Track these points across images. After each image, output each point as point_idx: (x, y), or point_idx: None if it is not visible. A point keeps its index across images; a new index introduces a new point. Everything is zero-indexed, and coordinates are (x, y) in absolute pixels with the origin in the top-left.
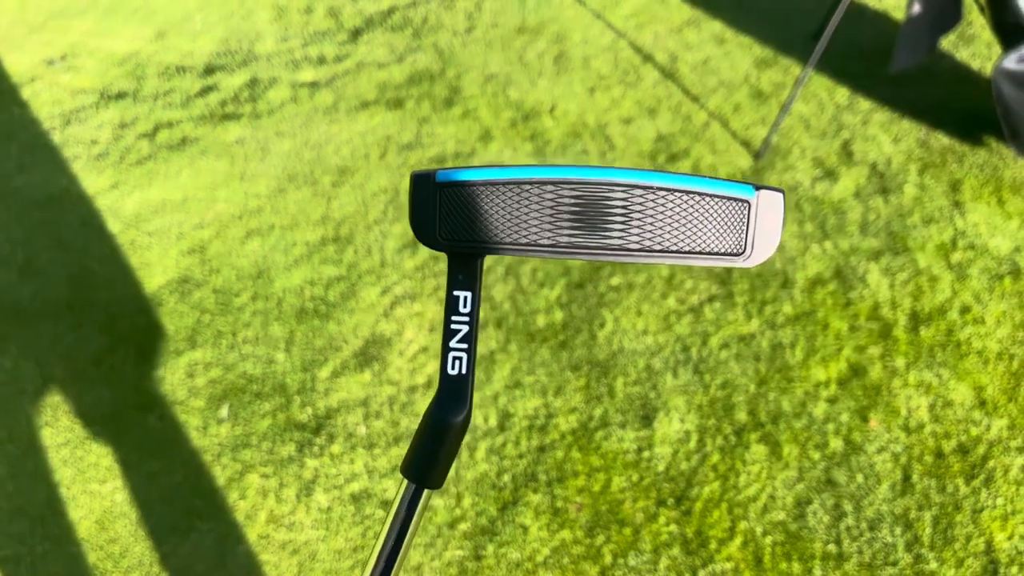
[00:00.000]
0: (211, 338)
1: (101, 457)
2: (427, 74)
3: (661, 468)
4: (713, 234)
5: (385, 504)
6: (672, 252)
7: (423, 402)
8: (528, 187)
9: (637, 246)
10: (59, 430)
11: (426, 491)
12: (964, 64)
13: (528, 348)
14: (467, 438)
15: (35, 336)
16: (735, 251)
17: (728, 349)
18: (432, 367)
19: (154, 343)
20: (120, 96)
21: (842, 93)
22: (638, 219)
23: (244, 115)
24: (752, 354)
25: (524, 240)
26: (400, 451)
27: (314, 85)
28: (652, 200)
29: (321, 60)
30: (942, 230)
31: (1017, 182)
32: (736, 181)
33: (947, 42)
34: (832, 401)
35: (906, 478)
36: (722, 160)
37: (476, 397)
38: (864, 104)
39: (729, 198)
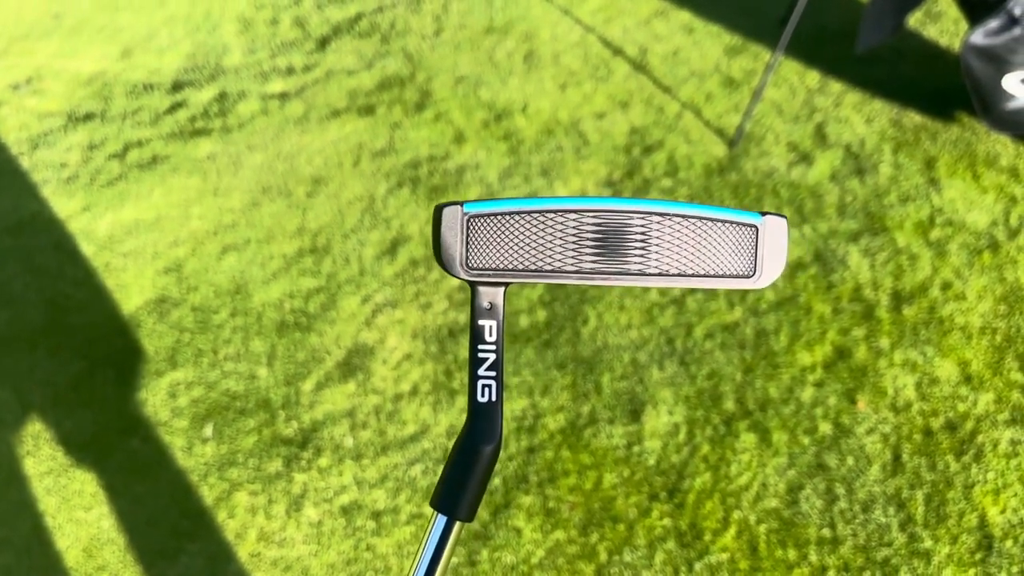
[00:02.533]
0: (192, 357)
1: (85, 484)
2: (397, 79)
3: (652, 462)
4: (726, 257)
5: (376, 515)
6: (688, 275)
7: (409, 410)
8: (552, 216)
9: (656, 270)
10: (41, 458)
11: (458, 524)
12: (932, 41)
13: (512, 349)
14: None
15: (11, 363)
16: (746, 273)
17: (713, 339)
18: (417, 373)
19: (134, 365)
20: (88, 117)
21: (813, 76)
22: (656, 245)
23: (214, 130)
24: (737, 342)
25: (548, 268)
26: (388, 460)
27: (284, 96)
28: (669, 226)
29: (290, 70)
30: (919, 208)
31: (991, 156)
32: (744, 209)
33: (914, 20)
34: (819, 385)
35: (896, 458)
36: (697, 150)
37: (463, 401)
38: (835, 86)
39: (738, 223)
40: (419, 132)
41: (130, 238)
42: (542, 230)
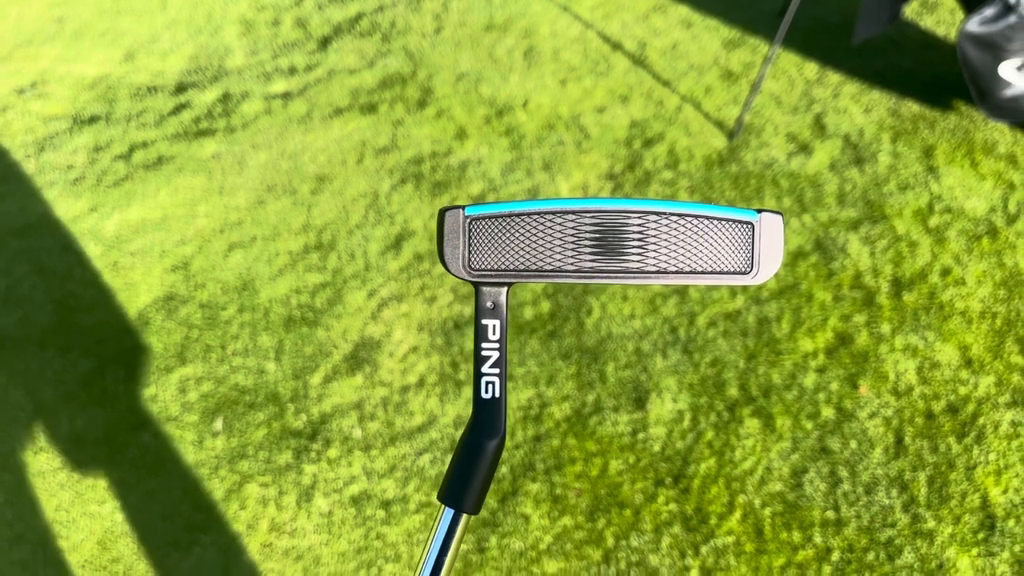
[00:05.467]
0: (200, 353)
1: (98, 479)
2: (398, 77)
3: (657, 449)
4: (723, 254)
5: (385, 504)
6: (687, 272)
7: (416, 401)
8: (551, 217)
9: (654, 268)
10: (54, 455)
11: (464, 516)
12: (929, 31)
13: (518, 340)
14: (463, 431)
15: (23, 364)
16: (743, 269)
17: (715, 327)
18: (423, 365)
19: (143, 362)
20: (93, 120)
21: (811, 68)
22: (654, 243)
23: (219, 130)
24: (739, 330)
25: (549, 267)
26: (397, 451)
27: (287, 96)
28: (666, 225)
29: (292, 70)
30: (918, 196)
31: (988, 143)
32: (740, 207)
33: (911, 10)
34: (821, 371)
35: (899, 441)
36: (697, 142)
37: (470, 391)
38: (833, 77)
39: (735, 220)
40: (421, 129)
41: (137, 237)
42: (541, 231)
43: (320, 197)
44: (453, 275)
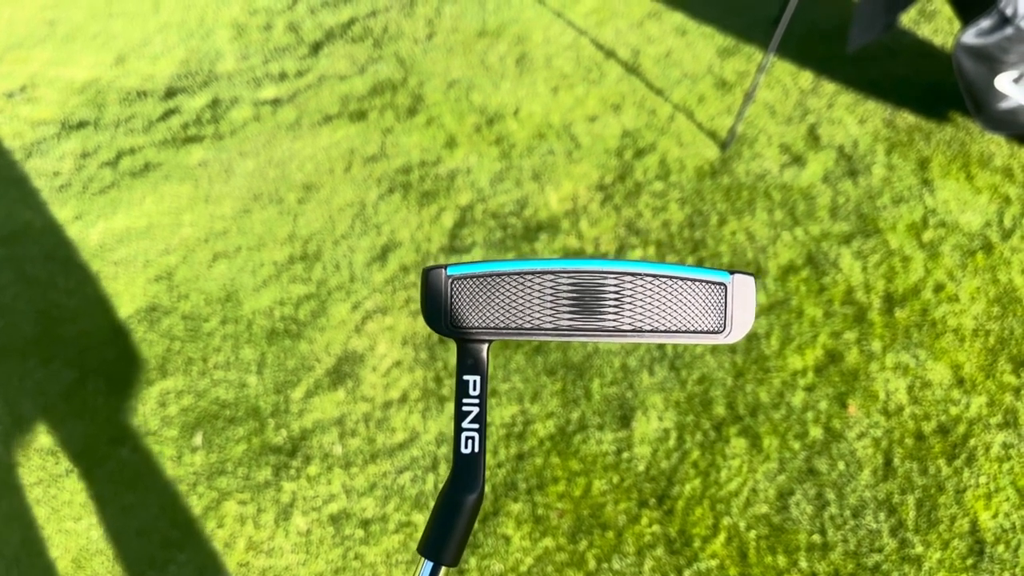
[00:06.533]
0: (182, 365)
1: (75, 494)
2: (389, 84)
3: (641, 468)
4: (696, 314)
5: (364, 524)
6: (661, 331)
7: (399, 418)
8: (530, 277)
9: (630, 327)
10: (31, 469)
11: (443, 569)
12: (926, 40)
13: (503, 355)
14: (444, 450)
15: (3, 374)
16: (716, 329)
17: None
18: (406, 380)
19: (125, 374)
20: (81, 125)
21: (806, 77)
22: (629, 303)
23: (207, 137)
24: (727, 347)
25: (528, 325)
26: (377, 468)
27: (276, 102)
28: (641, 285)
29: (283, 76)
30: (912, 209)
31: (985, 156)
32: (713, 268)
33: (908, 19)
34: (810, 389)
35: (888, 462)
36: (689, 152)
37: (451, 408)
38: (828, 87)
39: (708, 282)
40: (411, 137)
41: (121, 246)
42: (521, 291)
43: (307, 206)
44: (435, 332)
